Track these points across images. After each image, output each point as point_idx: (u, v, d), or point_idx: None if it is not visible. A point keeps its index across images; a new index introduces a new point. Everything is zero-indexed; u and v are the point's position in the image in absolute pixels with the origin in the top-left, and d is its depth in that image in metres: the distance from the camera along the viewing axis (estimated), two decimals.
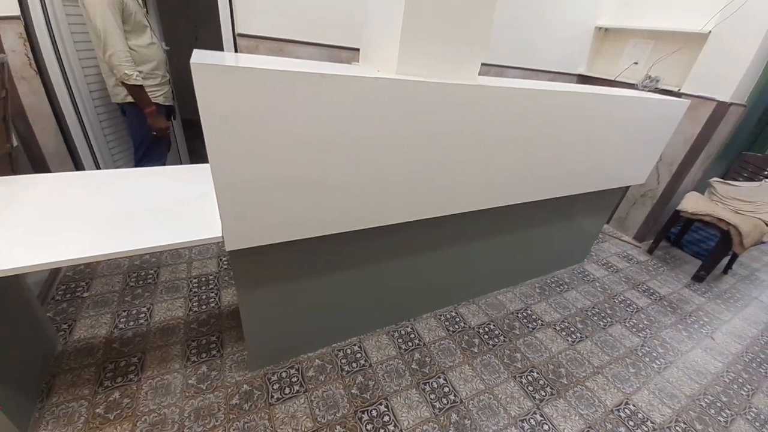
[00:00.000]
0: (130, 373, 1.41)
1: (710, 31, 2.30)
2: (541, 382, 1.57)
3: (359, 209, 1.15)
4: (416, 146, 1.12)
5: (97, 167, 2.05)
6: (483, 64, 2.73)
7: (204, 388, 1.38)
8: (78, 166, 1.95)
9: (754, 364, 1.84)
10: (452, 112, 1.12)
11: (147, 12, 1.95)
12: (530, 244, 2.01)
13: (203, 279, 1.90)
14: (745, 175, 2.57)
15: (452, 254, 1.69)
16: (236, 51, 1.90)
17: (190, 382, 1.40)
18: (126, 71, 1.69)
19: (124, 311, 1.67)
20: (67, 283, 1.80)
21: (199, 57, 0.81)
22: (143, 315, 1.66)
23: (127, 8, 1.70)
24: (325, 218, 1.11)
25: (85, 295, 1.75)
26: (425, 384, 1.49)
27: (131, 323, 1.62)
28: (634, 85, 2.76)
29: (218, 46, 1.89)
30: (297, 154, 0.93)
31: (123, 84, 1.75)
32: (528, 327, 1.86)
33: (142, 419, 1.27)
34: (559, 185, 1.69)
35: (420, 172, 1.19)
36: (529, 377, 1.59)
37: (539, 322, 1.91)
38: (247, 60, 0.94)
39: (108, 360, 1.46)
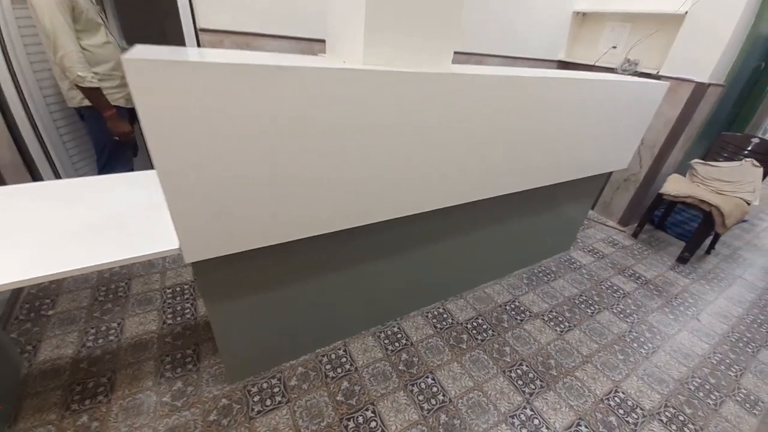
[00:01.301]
0: (99, 395, 1.33)
1: (686, 12, 2.28)
2: (531, 375, 1.54)
3: (331, 210, 1.09)
4: (389, 140, 1.06)
5: (57, 177, 1.93)
6: (462, 53, 2.70)
7: (179, 405, 1.31)
8: (35, 176, 1.83)
9: (741, 344, 1.85)
10: (425, 103, 1.06)
11: (101, 9, 1.83)
12: (516, 235, 1.98)
13: (178, 289, 1.82)
14: (725, 155, 2.58)
15: (437, 250, 1.65)
16: (199, 47, 1.79)
17: (164, 399, 1.32)
18: (79, 73, 1.58)
19: (93, 328, 1.58)
20: (32, 301, 1.69)
21: (137, 53, 0.72)
22: (113, 331, 1.57)
23: (77, 6, 1.58)
24: (294, 222, 1.04)
25: (50, 313, 1.65)
26: (413, 385, 1.44)
27: (100, 341, 1.53)
28: (613, 69, 2.74)
29: (183, 43, 1.79)
30: (256, 154, 0.86)
31: (78, 87, 1.64)
32: (516, 319, 1.84)
33: None
34: (542, 175, 1.65)
35: (394, 167, 1.13)
36: (518, 371, 1.55)
37: (527, 313, 1.89)
38: (198, 54, 0.86)
39: (75, 381, 1.37)
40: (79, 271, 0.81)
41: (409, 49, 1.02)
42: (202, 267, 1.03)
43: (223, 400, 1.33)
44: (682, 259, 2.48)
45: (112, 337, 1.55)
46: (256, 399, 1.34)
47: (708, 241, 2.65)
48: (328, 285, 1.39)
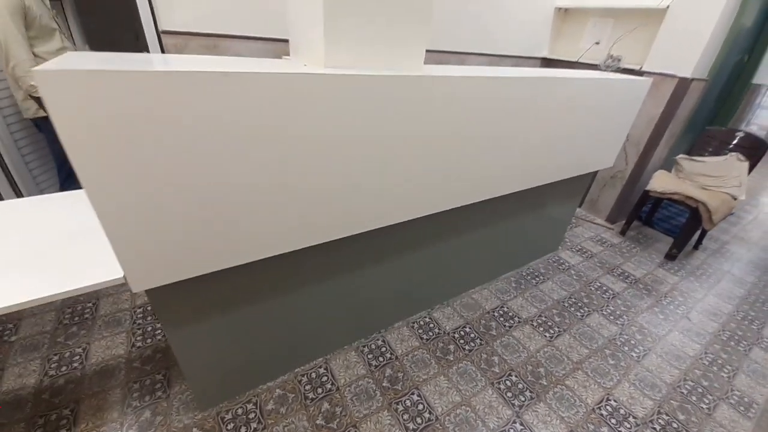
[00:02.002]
0: (62, 428, 1.23)
1: (668, 6, 2.25)
2: (520, 386, 1.49)
3: (294, 227, 1.01)
4: (359, 149, 0.98)
5: (18, 195, 1.82)
6: (443, 52, 2.64)
7: None
8: None
9: (732, 342, 1.82)
10: (396, 108, 0.99)
11: (57, 13, 1.72)
12: (502, 239, 1.92)
13: (149, 308, 1.72)
14: (710, 150, 2.57)
15: (421, 258, 1.58)
16: (162, 51, 1.70)
17: None
18: (32, 83, 1.48)
19: (56, 355, 1.48)
20: None
21: (55, 63, 0.64)
22: (77, 357, 1.47)
23: (30, 12, 1.48)
24: (253, 242, 0.96)
25: (13, 339, 1.54)
26: (398, 403, 1.38)
27: (63, 368, 1.43)
28: (596, 65, 2.71)
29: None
30: (202, 171, 0.78)
31: (32, 97, 1.54)
32: (505, 326, 1.78)
33: None
34: (526, 177, 1.59)
35: (366, 178, 1.05)
36: (507, 382, 1.50)
37: (516, 319, 1.83)
38: (140, 61, 0.78)
39: (38, 414, 1.27)
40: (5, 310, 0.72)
41: (375, 49, 0.95)
42: (157, 293, 0.95)
43: (195, 429, 1.25)
44: (671, 256, 2.46)
45: (76, 364, 1.45)
46: (230, 427, 1.26)
47: (696, 237, 2.64)
48: (304, 300, 1.32)
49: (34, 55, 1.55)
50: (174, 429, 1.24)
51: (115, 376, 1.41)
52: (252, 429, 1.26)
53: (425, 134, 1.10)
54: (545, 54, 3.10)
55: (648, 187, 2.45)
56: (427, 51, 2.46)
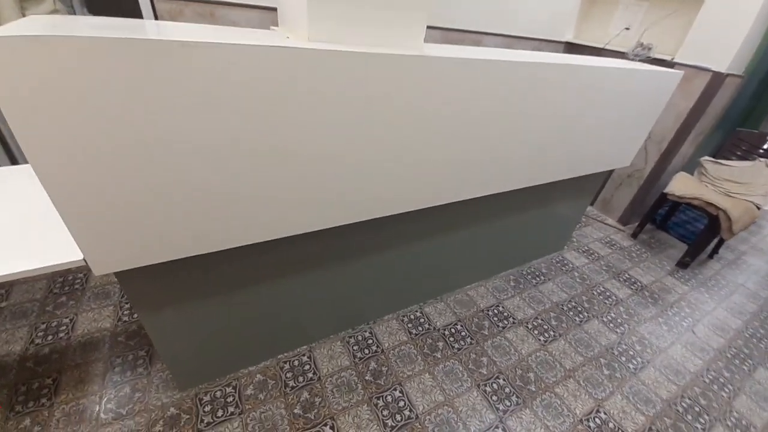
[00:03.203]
0: (43, 397, 1.24)
1: None
2: (507, 390, 1.44)
3: (275, 215, 0.95)
4: (344, 133, 0.90)
5: (14, 162, 1.79)
6: (456, 30, 2.47)
7: (124, 413, 1.22)
8: None
9: (737, 361, 1.73)
10: (387, 91, 0.90)
11: None
12: (504, 235, 1.84)
13: None
14: (739, 153, 2.39)
15: (416, 251, 1.51)
16: (156, 17, 1.61)
17: (108, 406, 1.23)
18: None
19: (43, 323, 1.48)
20: None
21: (8, 28, 0.57)
22: (64, 328, 1.47)
23: None
24: (232, 227, 0.90)
25: (3, 304, 1.55)
26: (378, 398, 1.35)
27: (49, 337, 1.43)
28: (624, 53, 2.51)
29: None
30: (167, 150, 0.71)
31: None
32: (498, 326, 1.72)
33: None
34: (532, 174, 1.48)
35: (355, 166, 0.98)
36: (494, 385, 1.45)
37: (511, 320, 1.77)
38: (101, 27, 0.70)
39: (21, 381, 1.28)
40: None
41: (368, 23, 0.85)
42: (127, 276, 0.91)
43: (172, 409, 1.24)
44: (683, 264, 2.34)
45: (62, 335, 1.45)
46: (207, 409, 1.25)
47: (712, 245, 2.50)
48: (288, 289, 1.27)
49: (24, 16, 1.49)
50: (151, 407, 1.24)
51: (99, 349, 1.41)
52: (228, 413, 1.25)
53: (419, 121, 1.00)
54: (569, 38, 2.90)
55: (666, 190, 2.31)
56: (439, 29, 2.32)
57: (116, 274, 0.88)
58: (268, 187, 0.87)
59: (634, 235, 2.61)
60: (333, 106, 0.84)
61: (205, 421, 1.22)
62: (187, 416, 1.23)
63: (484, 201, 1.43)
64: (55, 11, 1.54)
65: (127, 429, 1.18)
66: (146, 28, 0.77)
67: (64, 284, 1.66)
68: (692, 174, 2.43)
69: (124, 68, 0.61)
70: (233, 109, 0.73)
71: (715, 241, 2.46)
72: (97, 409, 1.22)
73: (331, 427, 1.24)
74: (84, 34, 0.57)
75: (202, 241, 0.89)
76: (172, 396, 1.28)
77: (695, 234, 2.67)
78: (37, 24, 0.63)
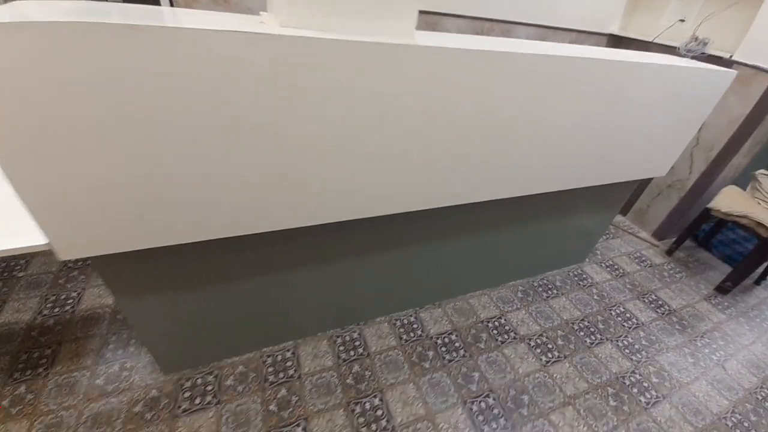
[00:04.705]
0: (40, 367, 1.31)
1: None
2: (496, 410, 1.35)
3: (257, 209, 0.91)
4: (327, 128, 0.84)
5: None
6: (484, 19, 2.30)
7: (110, 390, 1.26)
8: None
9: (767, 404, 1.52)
10: (375, 83, 0.82)
11: None
12: (515, 243, 1.71)
13: None
14: None
15: (417, 253, 1.44)
16: (172, 4, 1.61)
17: (97, 382, 1.28)
18: None
19: (53, 295, 1.57)
20: (8, 260, 1.71)
21: None
22: (71, 301, 1.55)
23: None
24: (210, 219, 0.88)
25: (21, 274, 1.66)
26: (357, 404, 1.30)
27: (56, 310, 1.51)
28: (675, 48, 2.24)
29: None
30: (131, 138, 0.69)
31: None
32: (497, 340, 1.61)
33: (40, 419, 1.17)
34: (549, 179, 1.35)
35: (338, 161, 0.92)
36: (482, 403, 1.36)
37: (512, 334, 1.65)
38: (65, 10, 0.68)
39: (23, 350, 1.36)
40: None
41: (348, 6, 0.78)
42: (102, 261, 0.91)
43: (154, 391, 1.27)
44: (723, 289, 2.09)
45: (68, 307, 1.53)
46: (186, 395, 1.27)
47: (760, 269, 2.21)
48: (280, 281, 1.25)
49: None
50: (135, 387, 1.28)
51: (98, 325, 1.47)
52: (206, 402, 1.26)
53: (409, 117, 0.92)
54: (614, 30, 2.63)
55: (710, 204, 2.06)
56: (464, 17, 2.18)
57: (90, 258, 0.88)
58: (246, 178, 0.84)
59: (669, 252, 2.36)
60: (309, 98, 0.78)
61: (182, 407, 1.23)
62: (167, 400, 1.25)
63: (493, 205, 1.32)
64: None
65: (109, 406, 1.22)
66: (126, 13, 0.75)
67: (78, 258, 1.75)
68: (744, 189, 2.15)
69: (78, 52, 0.58)
70: (199, 96, 0.69)
71: (765, 265, 2.17)
72: (86, 384, 1.27)
73: (303, 429, 1.22)
74: (38, 19, 0.55)
75: (177, 231, 0.87)
76: (156, 378, 1.31)
77: (743, 256, 2.37)
78: (21, 9, 0.62)
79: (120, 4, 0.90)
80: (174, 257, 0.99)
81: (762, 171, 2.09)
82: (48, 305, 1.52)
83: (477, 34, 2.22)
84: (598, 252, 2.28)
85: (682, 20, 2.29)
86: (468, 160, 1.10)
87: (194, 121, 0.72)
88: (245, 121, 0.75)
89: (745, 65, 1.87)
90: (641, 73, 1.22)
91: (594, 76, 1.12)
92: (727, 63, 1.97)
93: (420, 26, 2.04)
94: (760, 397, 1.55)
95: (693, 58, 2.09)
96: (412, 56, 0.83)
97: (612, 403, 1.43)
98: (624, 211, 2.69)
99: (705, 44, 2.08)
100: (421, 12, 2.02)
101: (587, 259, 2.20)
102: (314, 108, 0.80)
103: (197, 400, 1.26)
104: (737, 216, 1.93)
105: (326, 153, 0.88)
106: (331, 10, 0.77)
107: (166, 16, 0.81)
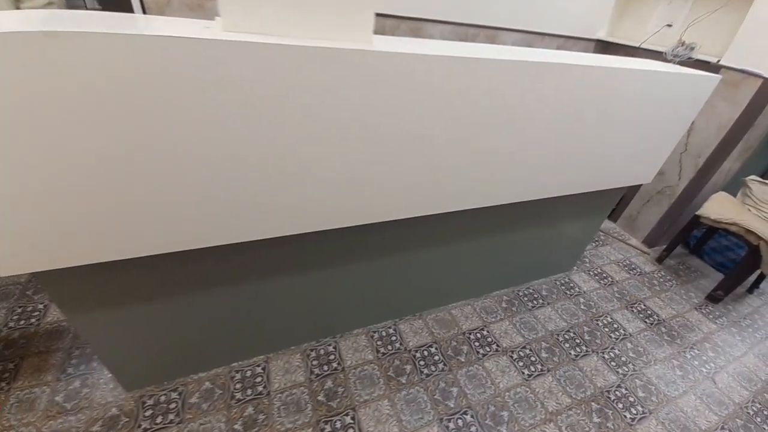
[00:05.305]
0: (2, 381, 1.26)
1: None
2: (473, 428, 1.29)
3: (206, 219, 0.87)
4: (276, 139, 0.80)
5: None
6: (470, 26, 2.28)
7: (69, 408, 1.21)
8: None
9: (759, 419, 1.46)
10: (327, 91, 0.78)
11: None
12: (499, 252, 1.66)
13: None
14: None
15: (394, 263, 1.40)
16: (144, 9, 1.58)
17: (56, 399, 1.23)
18: None
19: (20, 307, 1.52)
20: None
21: None
22: (36, 314, 1.50)
23: None
24: (164, 231, 0.83)
25: None
26: (326, 423, 1.25)
27: (22, 322, 1.46)
28: (661, 53, 2.21)
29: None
30: (75, 150, 0.65)
31: None
32: (478, 353, 1.56)
33: None
34: (529, 188, 1.31)
35: (287, 173, 0.88)
36: (459, 421, 1.31)
37: (494, 346, 1.60)
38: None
39: None
40: None
41: (298, 9, 0.74)
42: (48, 276, 0.86)
43: (114, 409, 1.22)
44: (714, 298, 2.03)
45: (33, 320, 1.48)
46: (147, 414, 1.21)
47: (753, 277, 2.15)
48: (250, 294, 1.21)
49: (18, 9, 1.50)
50: (95, 405, 1.22)
51: (62, 339, 1.42)
52: (168, 420, 1.20)
53: (367, 125, 0.88)
54: (602, 35, 2.60)
55: (700, 212, 2.01)
56: (447, 23, 2.15)
57: (34, 274, 0.84)
58: (196, 189, 0.80)
59: (660, 260, 2.31)
60: (252, 107, 0.74)
61: (143, 427, 1.18)
62: (127, 419, 1.19)
63: (475, 214, 1.28)
64: (50, 3, 1.55)
65: (68, 425, 1.17)
66: (88, 21, 0.71)
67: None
68: (735, 195, 2.10)
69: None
70: (125, 104, 0.65)
71: (758, 273, 2.11)
72: (46, 401, 1.22)
73: None
74: None
75: (128, 246, 0.83)
76: (117, 396, 1.25)
77: (736, 263, 2.32)
78: None
79: (82, 11, 0.86)
80: (130, 271, 0.94)
81: (752, 177, 2.05)
82: (14, 317, 1.48)
83: (461, 40, 2.19)
84: (587, 260, 2.23)
85: (669, 25, 2.26)
86: (442, 168, 1.06)
87: (124, 131, 0.67)
88: (181, 130, 0.71)
89: (733, 69, 1.84)
90: (622, 79, 1.18)
91: (571, 83, 1.08)
92: (715, 68, 1.94)
93: (403, 32, 2.04)
94: (752, 411, 1.49)
95: (680, 63, 2.06)
96: (369, 62, 0.79)
97: (596, 419, 1.37)
98: (614, 218, 2.65)
99: (692, 49, 2.05)
100: (404, 18, 2.00)
101: (575, 268, 2.15)
102: (259, 117, 0.76)
103: (159, 419, 1.20)
104: (726, 223, 1.88)
105: (274, 164, 0.84)
106: (278, 13, 0.73)
107: (109, 22, 0.77)
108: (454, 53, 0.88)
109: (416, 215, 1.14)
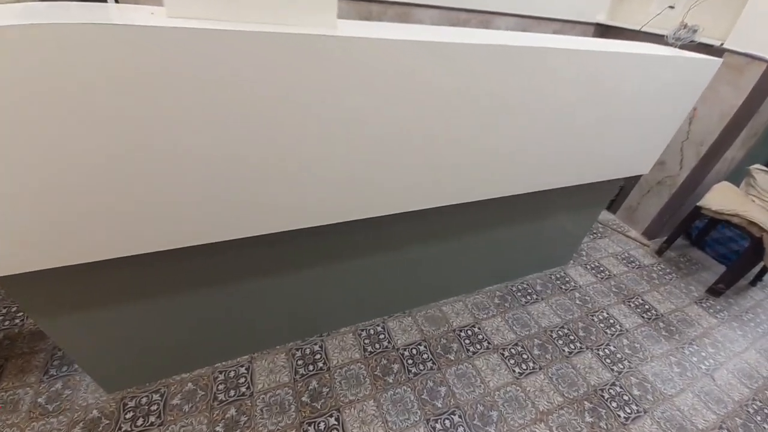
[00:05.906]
0: None
1: None
2: (461, 429, 1.26)
3: (175, 220, 0.83)
4: (237, 133, 0.76)
5: None
6: (460, 10, 2.19)
7: (51, 409, 1.20)
8: None
9: (759, 417, 1.42)
10: (290, 81, 0.73)
11: None
12: (491, 246, 1.62)
13: None
14: None
15: (383, 259, 1.36)
16: (117, 0, 1.53)
17: (39, 400, 1.22)
18: None
19: (5, 308, 1.51)
20: None
21: None
22: (21, 314, 1.49)
23: None
24: (136, 230, 0.80)
25: None
26: (310, 424, 1.23)
27: (6, 323, 1.45)
28: (663, 37, 2.11)
29: None
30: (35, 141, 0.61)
31: None
32: (468, 351, 1.53)
33: None
34: (522, 180, 1.26)
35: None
36: (446, 422, 1.28)
37: (485, 344, 1.56)
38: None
39: None
40: None
41: None
42: (11, 281, 0.84)
43: (95, 411, 1.20)
44: (715, 291, 1.97)
45: (18, 321, 1.46)
46: (128, 416, 1.20)
47: (755, 270, 2.09)
48: (235, 293, 1.18)
49: None
50: (76, 407, 1.21)
51: (45, 340, 1.40)
52: (149, 422, 1.19)
53: (332, 118, 0.83)
54: (602, 19, 2.50)
55: (701, 203, 1.94)
56: (437, 8, 2.07)
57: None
58: (156, 186, 0.76)
59: (660, 252, 2.24)
60: (208, 98, 0.69)
61: (123, 429, 1.16)
62: (107, 421, 1.18)
63: (466, 208, 1.23)
64: None
65: (49, 427, 1.16)
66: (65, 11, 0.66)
67: None
68: (738, 185, 2.03)
69: None
70: (86, 97, 0.61)
71: (761, 265, 2.05)
72: (29, 402, 1.21)
73: None
74: None
75: (97, 247, 0.80)
76: (98, 398, 1.24)
77: (739, 255, 2.26)
78: None
79: (59, 2, 0.82)
80: (104, 272, 0.91)
81: (757, 166, 1.97)
82: None
83: (453, 25, 2.11)
84: (584, 253, 2.18)
85: (672, 7, 2.16)
86: (433, 162, 1.02)
87: (81, 125, 0.63)
88: (141, 122, 0.67)
89: (737, 53, 1.75)
90: (619, 64, 1.11)
91: (566, 69, 1.02)
92: (718, 51, 1.85)
93: (390, 18, 1.97)
94: (752, 410, 1.44)
95: (682, 47, 1.96)
96: (331, 49, 0.73)
97: (588, 419, 1.34)
98: (613, 209, 2.58)
99: (694, 32, 1.95)
100: (391, 2, 1.92)
101: (571, 261, 2.10)
102: (218, 109, 0.71)
103: (139, 421, 1.19)
104: (728, 214, 1.82)
105: (228, 156, 0.80)
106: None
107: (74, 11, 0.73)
108: (438, 39, 0.82)
109: (407, 210, 1.10)
